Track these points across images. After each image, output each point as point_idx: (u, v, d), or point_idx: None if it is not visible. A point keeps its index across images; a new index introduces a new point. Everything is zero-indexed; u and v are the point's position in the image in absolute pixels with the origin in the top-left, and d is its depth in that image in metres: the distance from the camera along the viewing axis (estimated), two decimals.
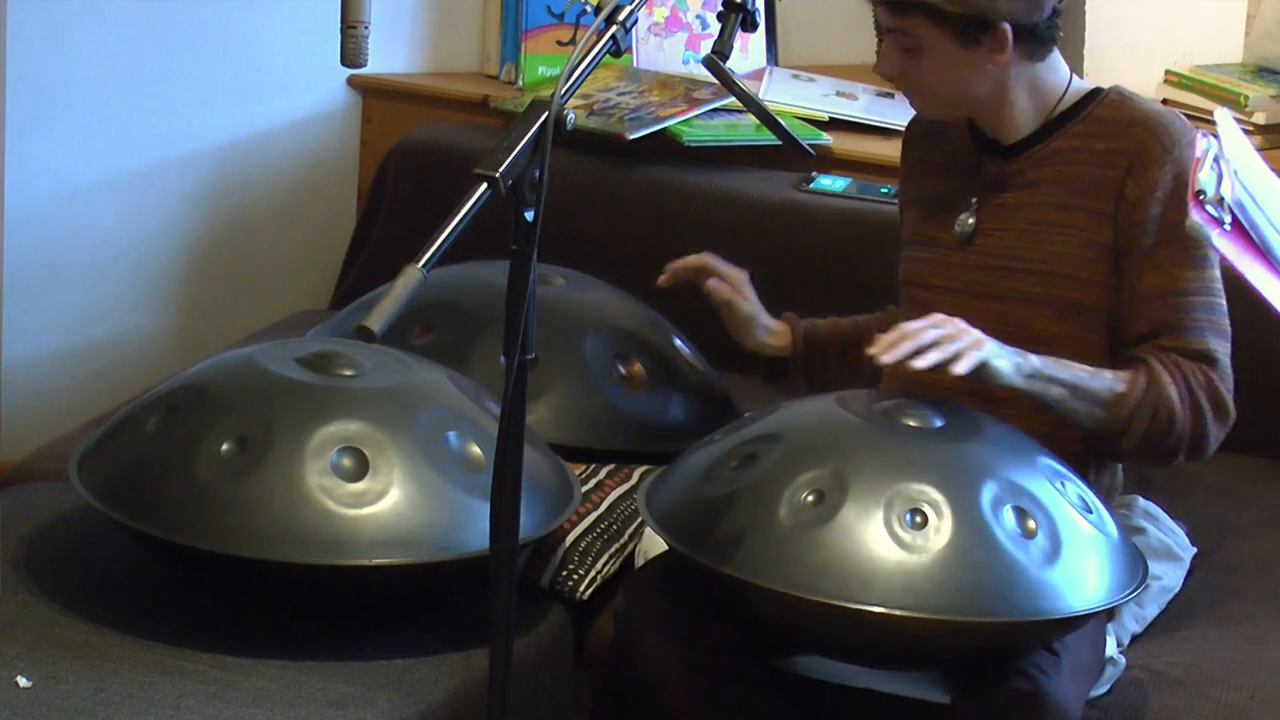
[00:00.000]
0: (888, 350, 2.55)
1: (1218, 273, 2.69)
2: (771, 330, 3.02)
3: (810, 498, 2.46)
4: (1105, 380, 2.65)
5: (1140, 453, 2.69)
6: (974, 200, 2.79)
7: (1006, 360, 2.59)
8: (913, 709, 2.62)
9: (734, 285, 2.99)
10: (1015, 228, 2.75)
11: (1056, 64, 2.74)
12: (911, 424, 2.56)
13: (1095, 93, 2.76)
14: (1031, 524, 2.45)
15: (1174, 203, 2.65)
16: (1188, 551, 2.94)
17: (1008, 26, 2.64)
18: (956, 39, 2.65)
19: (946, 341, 2.56)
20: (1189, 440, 2.67)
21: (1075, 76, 2.77)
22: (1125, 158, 2.68)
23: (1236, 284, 2.21)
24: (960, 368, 2.55)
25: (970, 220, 2.78)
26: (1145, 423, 2.64)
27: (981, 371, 2.57)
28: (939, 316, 2.59)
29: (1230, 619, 2.86)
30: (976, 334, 2.58)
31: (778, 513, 2.45)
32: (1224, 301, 2.70)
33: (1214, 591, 2.93)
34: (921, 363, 2.54)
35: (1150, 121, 2.69)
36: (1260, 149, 2.52)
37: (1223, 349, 2.69)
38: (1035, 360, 2.62)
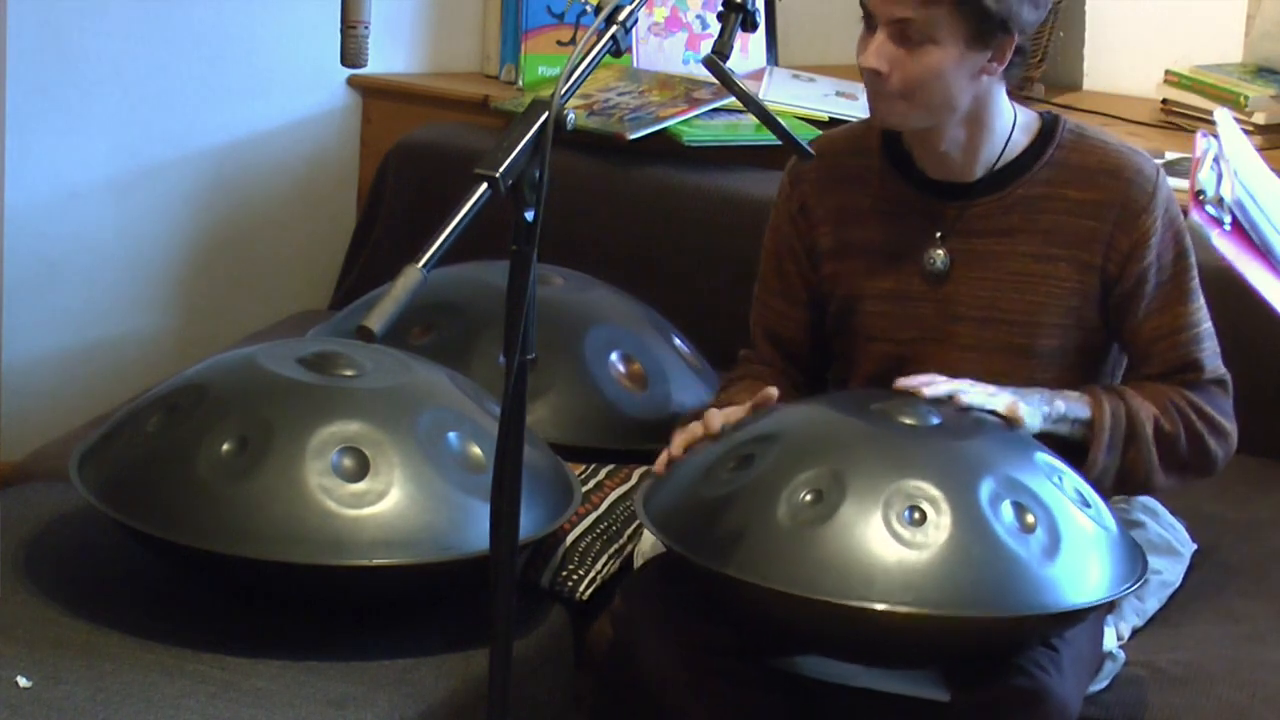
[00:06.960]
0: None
1: (1202, 297, 2.75)
2: None
3: (808, 497, 2.46)
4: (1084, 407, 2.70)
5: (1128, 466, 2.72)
6: (939, 235, 2.75)
7: (1036, 412, 2.65)
8: (912, 708, 2.62)
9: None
10: (993, 278, 2.73)
11: (1005, 101, 2.72)
12: (908, 422, 2.56)
13: (1047, 131, 2.73)
14: (1030, 518, 2.45)
15: (1165, 243, 2.70)
16: (1187, 547, 2.94)
17: (1016, 37, 2.62)
18: (971, 37, 2.60)
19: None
20: (1192, 456, 2.73)
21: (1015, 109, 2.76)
22: (1111, 210, 2.68)
23: (1236, 284, 2.21)
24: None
25: (942, 254, 2.75)
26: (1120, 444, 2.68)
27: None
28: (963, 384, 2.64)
29: (1231, 617, 2.86)
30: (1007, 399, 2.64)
31: (776, 512, 2.45)
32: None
33: (1214, 589, 2.93)
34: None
35: (1126, 171, 2.70)
36: (1260, 149, 2.53)
37: (1225, 370, 2.77)
38: (1060, 405, 2.67)
